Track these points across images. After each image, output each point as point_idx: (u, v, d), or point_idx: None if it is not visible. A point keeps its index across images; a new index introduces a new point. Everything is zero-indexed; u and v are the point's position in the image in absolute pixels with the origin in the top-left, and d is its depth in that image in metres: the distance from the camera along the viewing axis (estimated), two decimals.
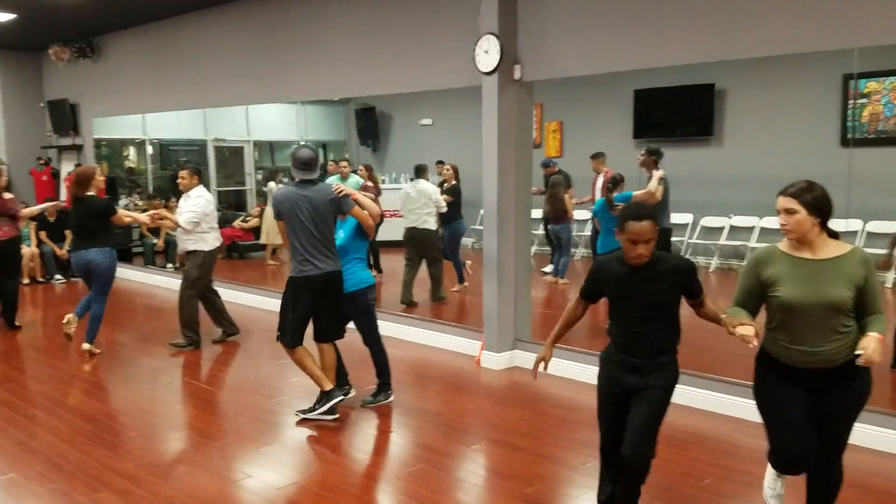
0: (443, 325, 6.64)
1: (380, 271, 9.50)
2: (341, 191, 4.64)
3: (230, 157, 13.09)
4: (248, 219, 11.77)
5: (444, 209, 7.80)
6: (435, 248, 7.77)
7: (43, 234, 9.57)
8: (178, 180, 6.50)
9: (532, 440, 4.47)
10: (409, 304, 7.62)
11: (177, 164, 11.59)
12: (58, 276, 9.87)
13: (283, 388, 5.40)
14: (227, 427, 4.77)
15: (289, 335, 4.68)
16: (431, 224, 7.69)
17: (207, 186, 12.33)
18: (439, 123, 12.33)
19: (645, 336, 3.08)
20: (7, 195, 7.24)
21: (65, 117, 11.00)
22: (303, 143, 12.34)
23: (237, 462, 4.25)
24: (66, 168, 11.24)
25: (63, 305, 8.61)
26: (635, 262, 3.02)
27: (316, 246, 4.58)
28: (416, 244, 7.76)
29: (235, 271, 10.46)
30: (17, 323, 7.41)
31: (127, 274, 10.10)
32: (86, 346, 6.35)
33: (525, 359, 5.88)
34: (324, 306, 4.71)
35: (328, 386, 4.73)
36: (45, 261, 9.72)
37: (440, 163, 9.67)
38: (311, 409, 4.75)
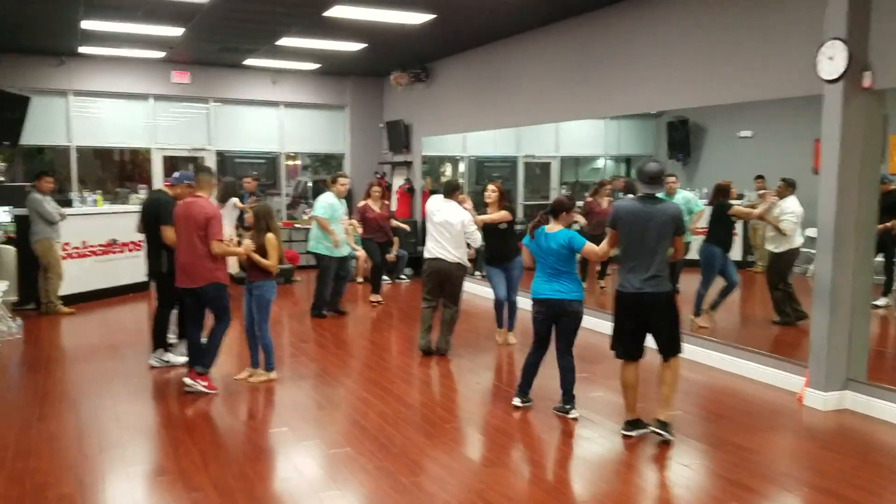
0: (759, 355, 6.10)
1: (676, 292, 9.06)
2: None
3: (538, 172, 13.57)
4: None
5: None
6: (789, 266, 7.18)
7: None
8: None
9: (867, 494, 3.90)
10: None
11: (489, 179, 12.33)
12: (384, 277, 11.06)
13: (583, 402, 5.36)
14: (531, 432, 4.92)
15: (612, 345, 4.84)
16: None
17: (514, 201, 13.08)
18: (760, 136, 11.42)
19: None
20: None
21: (399, 136, 12.39)
22: (608, 157, 12.33)
23: (540, 469, 4.37)
24: (397, 182, 12.63)
25: (387, 303, 9.64)
26: None
27: (632, 266, 4.55)
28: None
29: None
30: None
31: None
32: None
33: (858, 402, 5.17)
34: (645, 324, 4.65)
35: (629, 415, 4.76)
36: None
37: (759, 177, 8.96)
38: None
